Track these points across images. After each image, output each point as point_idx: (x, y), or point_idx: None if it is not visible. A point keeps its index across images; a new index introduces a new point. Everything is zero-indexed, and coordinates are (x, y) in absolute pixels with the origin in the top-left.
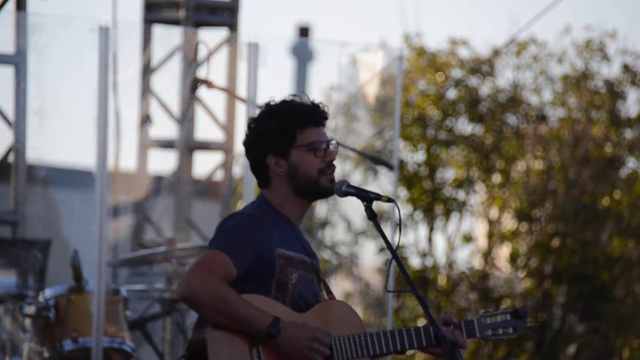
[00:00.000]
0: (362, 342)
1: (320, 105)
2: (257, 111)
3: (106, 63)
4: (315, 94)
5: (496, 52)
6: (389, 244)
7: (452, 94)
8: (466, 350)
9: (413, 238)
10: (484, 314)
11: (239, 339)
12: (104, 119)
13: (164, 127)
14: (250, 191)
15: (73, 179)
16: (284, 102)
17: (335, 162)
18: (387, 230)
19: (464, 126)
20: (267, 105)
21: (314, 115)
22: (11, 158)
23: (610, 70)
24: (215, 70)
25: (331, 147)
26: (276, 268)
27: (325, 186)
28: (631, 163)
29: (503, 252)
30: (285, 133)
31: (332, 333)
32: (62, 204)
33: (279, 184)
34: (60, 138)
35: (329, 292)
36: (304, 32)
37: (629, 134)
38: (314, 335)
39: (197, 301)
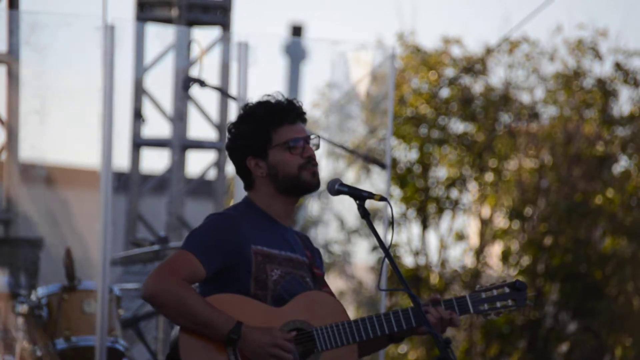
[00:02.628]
0: (345, 329)
1: (295, 102)
2: (236, 115)
3: (111, 61)
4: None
5: (489, 51)
6: (381, 243)
7: (445, 92)
8: (460, 327)
9: (406, 236)
10: (478, 288)
11: (213, 344)
12: (109, 117)
13: (157, 126)
14: (241, 190)
15: (72, 177)
16: (258, 104)
17: (327, 160)
18: (380, 228)
19: (457, 125)
20: (244, 108)
21: (288, 112)
22: (3, 157)
23: (602, 69)
24: (207, 69)
25: (311, 141)
26: (252, 265)
27: (307, 180)
28: (623, 161)
29: (495, 250)
30: (261, 134)
31: (315, 323)
32: (58, 202)
33: (262, 185)
34: (60, 137)
35: (324, 286)
36: (296, 31)
37: (621, 132)
38: (275, 341)
39: (157, 302)
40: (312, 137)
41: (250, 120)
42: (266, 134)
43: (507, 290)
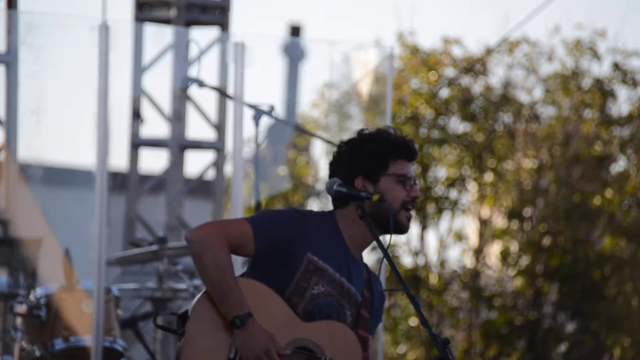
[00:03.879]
0: None
1: (413, 143)
2: (352, 135)
3: (106, 62)
4: (306, 92)
5: (488, 51)
6: (380, 243)
7: (444, 92)
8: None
9: (405, 237)
10: None
11: (223, 320)
12: (103, 117)
13: (155, 126)
14: (238, 191)
15: (69, 178)
16: (380, 131)
17: (326, 160)
18: None
19: (457, 125)
20: (362, 130)
21: (408, 150)
22: (2, 157)
23: (601, 69)
24: (206, 69)
25: (416, 185)
26: (300, 270)
27: (402, 222)
28: (622, 161)
29: (494, 250)
30: (380, 159)
31: (329, 354)
32: (55, 202)
33: (355, 207)
34: (57, 137)
35: (364, 329)
36: (295, 31)
37: (619, 132)
38: (267, 347)
39: (195, 250)
40: (417, 181)
41: (371, 142)
42: (385, 160)
43: None
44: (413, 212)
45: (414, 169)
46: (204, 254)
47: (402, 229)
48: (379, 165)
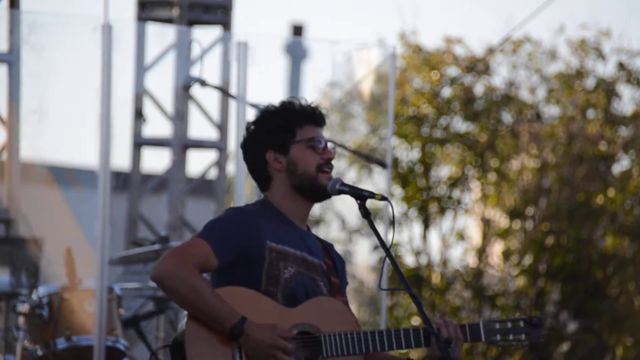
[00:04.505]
0: (354, 340)
1: (319, 107)
2: (255, 114)
3: (109, 61)
4: (309, 92)
5: (491, 51)
6: (382, 242)
7: (447, 92)
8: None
9: (407, 236)
10: (493, 319)
11: (219, 335)
12: (106, 117)
13: (158, 126)
14: (241, 190)
15: (71, 177)
16: (283, 102)
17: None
18: (381, 228)
19: (459, 124)
20: (266, 107)
21: (314, 114)
22: (5, 156)
23: (605, 69)
24: (208, 68)
25: (329, 146)
26: (266, 260)
27: (323, 184)
28: (625, 161)
29: (497, 250)
30: (285, 129)
31: (324, 329)
32: (57, 202)
33: (278, 183)
34: (59, 136)
35: (340, 295)
36: (297, 30)
37: (623, 131)
38: (276, 342)
39: (166, 284)
40: (330, 143)
41: (275, 116)
42: (291, 128)
43: (522, 324)
44: (331, 174)
45: (322, 133)
46: (175, 285)
47: (323, 190)
48: (285, 135)
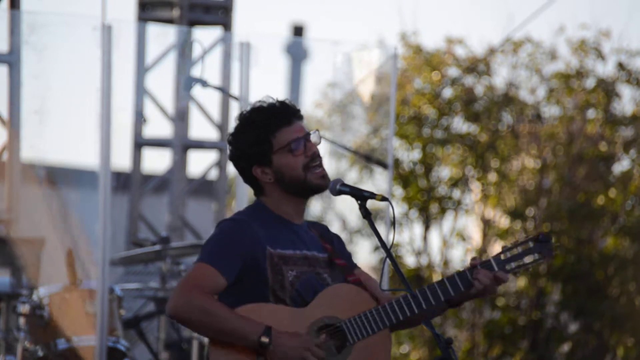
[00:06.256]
0: (374, 317)
1: (287, 102)
2: (233, 126)
3: (109, 61)
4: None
5: (492, 51)
6: (383, 243)
7: (448, 92)
8: (497, 293)
9: (408, 236)
10: (501, 250)
11: (243, 355)
12: (107, 117)
13: (158, 126)
14: (243, 190)
15: (72, 177)
16: (251, 111)
17: (330, 160)
18: (382, 228)
19: (460, 125)
20: (239, 117)
21: (283, 115)
22: (5, 156)
23: (605, 69)
24: (209, 69)
25: (312, 138)
26: (268, 268)
27: (315, 183)
28: (626, 161)
29: (497, 250)
30: (261, 142)
31: (343, 316)
32: (58, 202)
33: (271, 191)
34: (60, 137)
35: (349, 275)
36: (298, 31)
37: (623, 132)
38: (307, 345)
39: (184, 318)
40: (311, 133)
41: (248, 129)
42: (266, 140)
43: (531, 244)
44: (321, 167)
45: (300, 125)
46: (191, 316)
47: (318, 188)
48: (263, 148)
